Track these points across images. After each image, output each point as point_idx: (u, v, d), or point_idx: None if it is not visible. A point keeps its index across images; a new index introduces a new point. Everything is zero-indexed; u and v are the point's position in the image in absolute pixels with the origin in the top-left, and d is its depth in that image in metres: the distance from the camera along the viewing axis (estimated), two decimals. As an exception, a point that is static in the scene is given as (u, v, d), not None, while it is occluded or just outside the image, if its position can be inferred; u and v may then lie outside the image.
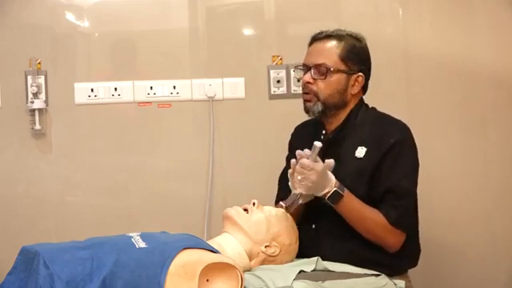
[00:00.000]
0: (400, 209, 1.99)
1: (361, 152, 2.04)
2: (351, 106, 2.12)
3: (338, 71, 2.07)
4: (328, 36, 2.11)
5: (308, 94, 2.10)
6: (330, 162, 1.96)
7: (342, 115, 2.11)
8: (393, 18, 2.86)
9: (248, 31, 2.90)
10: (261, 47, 2.83)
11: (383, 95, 2.75)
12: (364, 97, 2.18)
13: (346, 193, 1.97)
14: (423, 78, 2.82)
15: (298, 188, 1.97)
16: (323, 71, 2.06)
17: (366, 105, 2.17)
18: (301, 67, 2.14)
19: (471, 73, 2.82)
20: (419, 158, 2.10)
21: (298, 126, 2.31)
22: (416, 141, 2.10)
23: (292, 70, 2.74)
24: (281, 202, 2.01)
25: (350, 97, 2.11)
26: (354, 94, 2.11)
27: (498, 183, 2.83)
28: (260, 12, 2.83)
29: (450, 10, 2.83)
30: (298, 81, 2.22)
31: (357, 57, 2.10)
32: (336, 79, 2.08)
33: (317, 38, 2.13)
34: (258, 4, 2.84)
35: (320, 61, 2.07)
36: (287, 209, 1.99)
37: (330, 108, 2.08)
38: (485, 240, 2.83)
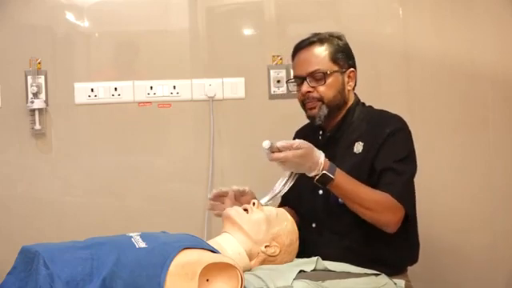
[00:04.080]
0: (398, 184, 1.98)
1: (358, 147, 2.06)
2: (349, 103, 2.15)
3: (333, 72, 2.09)
4: (310, 43, 2.13)
5: (311, 103, 2.11)
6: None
7: (340, 114, 2.14)
8: (393, 18, 2.86)
9: (248, 31, 2.90)
10: (261, 47, 2.83)
11: (383, 95, 2.77)
12: (363, 97, 2.18)
13: (338, 174, 1.92)
14: (423, 77, 2.82)
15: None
16: (320, 76, 2.09)
17: (363, 103, 2.19)
18: (292, 80, 2.16)
19: (472, 73, 2.82)
20: (419, 158, 2.10)
21: (298, 130, 2.33)
22: (416, 141, 2.10)
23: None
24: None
25: (347, 94, 2.14)
26: (350, 89, 2.14)
27: (499, 183, 2.83)
28: (260, 12, 2.84)
29: (450, 10, 2.84)
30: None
31: (343, 54, 2.13)
32: (333, 80, 2.10)
33: (300, 48, 2.15)
34: (258, 4, 2.84)
35: (313, 68, 2.09)
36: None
37: (334, 110, 2.11)
38: (486, 240, 2.83)
